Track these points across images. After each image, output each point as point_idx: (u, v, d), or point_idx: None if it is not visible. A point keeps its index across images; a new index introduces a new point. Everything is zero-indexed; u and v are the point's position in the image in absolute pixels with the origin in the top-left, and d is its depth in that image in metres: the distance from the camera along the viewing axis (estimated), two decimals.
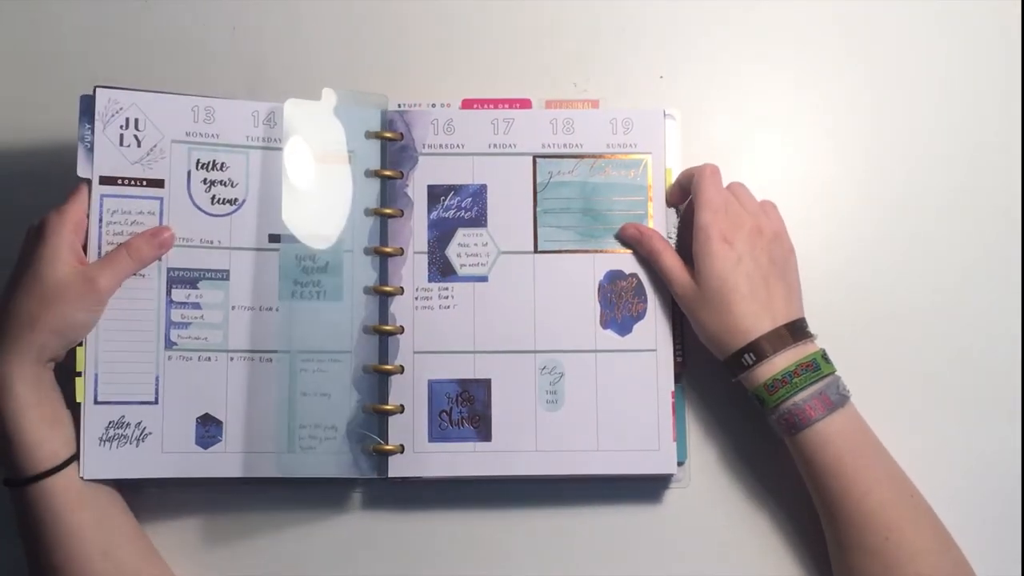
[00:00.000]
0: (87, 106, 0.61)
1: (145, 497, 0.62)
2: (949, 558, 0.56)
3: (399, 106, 0.64)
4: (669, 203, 0.63)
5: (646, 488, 0.63)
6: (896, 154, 0.67)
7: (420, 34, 0.68)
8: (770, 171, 0.67)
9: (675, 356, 0.62)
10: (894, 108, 0.68)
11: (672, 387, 0.61)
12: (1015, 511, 0.63)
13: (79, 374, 0.59)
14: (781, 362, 0.57)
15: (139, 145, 0.61)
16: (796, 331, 0.58)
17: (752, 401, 0.59)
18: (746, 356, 0.57)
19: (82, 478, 0.58)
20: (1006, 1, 0.69)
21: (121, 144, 0.61)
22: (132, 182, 0.61)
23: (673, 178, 0.63)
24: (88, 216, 0.59)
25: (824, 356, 0.58)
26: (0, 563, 0.61)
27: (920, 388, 0.65)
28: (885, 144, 0.67)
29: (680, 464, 0.62)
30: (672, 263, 0.60)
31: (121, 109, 0.61)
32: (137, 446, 0.59)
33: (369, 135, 0.63)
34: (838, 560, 0.58)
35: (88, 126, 0.61)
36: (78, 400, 0.59)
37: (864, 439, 0.58)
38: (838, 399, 0.57)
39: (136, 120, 0.61)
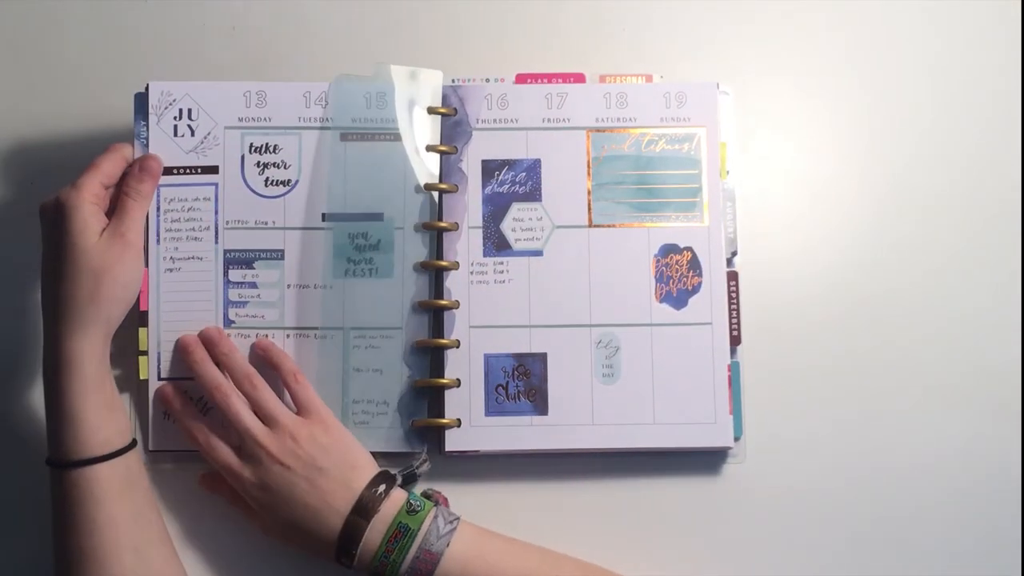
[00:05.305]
0: (141, 103, 0.61)
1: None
2: None
3: (453, 81, 0.64)
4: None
5: (703, 462, 0.63)
6: (897, 153, 0.67)
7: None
8: (771, 169, 0.66)
9: (730, 330, 0.62)
10: (895, 108, 0.67)
11: (728, 360, 0.61)
12: (1015, 511, 0.63)
13: (143, 353, 0.60)
14: (372, 543, 0.54)
15: (193, 134, 0.61)
16: (366, 506, 0.55)
17: None
18: (343, 559, 0.55)
19: (148, 450, 0.59)
20: (1007, 2, 0.68)
21: (175, 135, 0.61)
22: (187, 170, 0.61)
23: (728, 152, 0.63)
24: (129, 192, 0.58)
25: (409, 508, 0.55)
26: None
27: (920, 387, 0.64)
28: (885, 142, 0.67)
29: (736, 439, 0.62)
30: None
31: (174, 101, 0.61)
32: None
33: (423, 111, 0.63)
34: None
35: (143, 123, 0.61)
36: (142, 377, 0.60)
37: (489, 550, 0.56)
38: (440, 545, 0.54)
39: (189, 110, 0.61)
